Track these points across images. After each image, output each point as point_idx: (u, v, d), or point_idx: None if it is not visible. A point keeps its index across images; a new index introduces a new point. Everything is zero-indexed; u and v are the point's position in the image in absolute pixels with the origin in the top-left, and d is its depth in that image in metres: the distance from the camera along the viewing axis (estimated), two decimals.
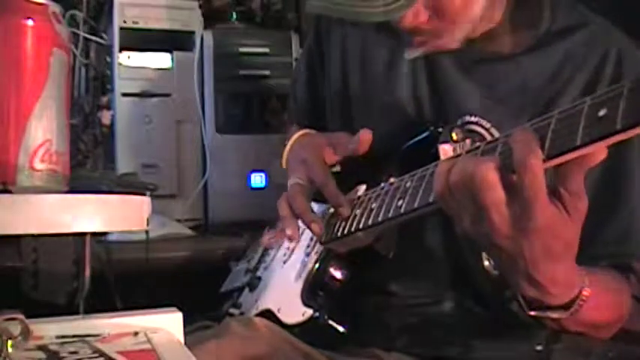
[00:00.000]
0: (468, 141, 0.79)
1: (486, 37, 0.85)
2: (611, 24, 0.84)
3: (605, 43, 0.81)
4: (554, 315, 0.64)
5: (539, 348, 0.77)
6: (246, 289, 1.02)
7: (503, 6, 0.85)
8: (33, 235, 0.60)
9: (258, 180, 1.56)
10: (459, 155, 0.66)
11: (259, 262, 1.06)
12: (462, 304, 0.86)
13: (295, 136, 0.98)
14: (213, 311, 1.05)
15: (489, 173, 0.56)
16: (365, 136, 0.85)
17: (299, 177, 0.88)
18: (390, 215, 0.73)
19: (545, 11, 0.84)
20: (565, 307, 0.64)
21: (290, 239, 0.87)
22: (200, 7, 1.59)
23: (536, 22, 0.84)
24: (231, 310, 1.01)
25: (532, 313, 0.65)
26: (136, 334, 0.56)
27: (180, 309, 0.59)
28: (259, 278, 1.00)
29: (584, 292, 0.64)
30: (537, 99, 0.82)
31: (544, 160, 0.54)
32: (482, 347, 0.85)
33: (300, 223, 0.88)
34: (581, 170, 0.55)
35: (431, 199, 0.66)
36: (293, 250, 0.97)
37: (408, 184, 0.72)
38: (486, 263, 0.76)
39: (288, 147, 0.97)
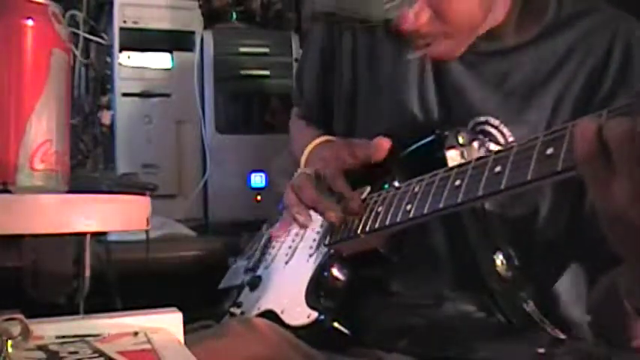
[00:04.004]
0: (475, 143, 0.78)
1: (492, 33, 0.84)
2: (619, 10, 0.84)
3: (613, 29, 0.81)
4: None
5: (541, 351, 0.77)
6: (247, 288, 1.02)
7: (509, 3, 0.84)
8: (33, 235, 0.60)
9: (258, 180, 1.56)
10: (469, 162, 0.66)
11: (259, 260, 1.06)
12: (464, 306, 0.86)
13: (317, 140, 0.97)
14: (213, 309, 1.05)
15: None
16: (381, 144, 0.82)
17: (307, 169, 0.87)
18: (397, 219, 0.73)
19: None
20: None
21: (302, 226, 0.85)
22: (200, 7, 1.59)
23: (543, 10, 0.84)
24: (233, 310, 1.01)
25: None
26: (136, 334, 0.56)
27: (180, 309, 0.59)
28: (260, 277, 1.00)
29: None
30: (546, 89, 0.81)
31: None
32: (483, 349, 0.84)
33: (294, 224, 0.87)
34: None
35: (441, 205, 0.66)
36: (295, 251, 0.97)
37: (417, 189, 0.72)
38: (498, 264, 0.76)
39: (309, 149, 0.96)
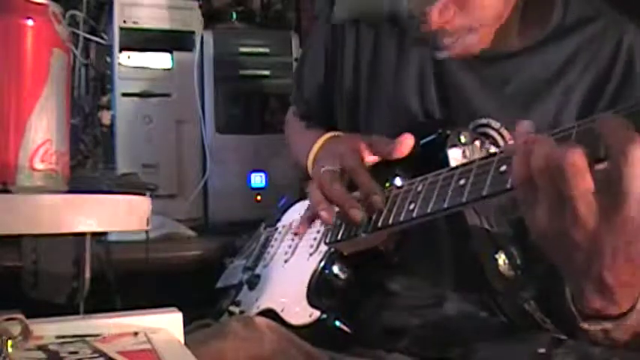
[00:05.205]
0: (476, 142, 0.78)
1: (496, 35, 0.84)
2: (623, 16, 0.84)
3: (617, 35, 0.81)
4: (609, 325, 0.59)
5: (541, 351, 0.77)
6: (245, 287, 1.01)
7: (512, 3, 0.83)
8: (33, 235, 0.60)
9: (258, 180, 1.56)
10: (473, 161, 0.65)
11: (258, 259, 1.05)
12: (465, 306, 0.86)
13: (327, 136, 0.95)
14: (212, 307, 1.05)
15: (578, 159, 0.51)
16: (406, 141, 0.80)
17: (331, 164, 0.84)
18: (400, 219, 0.72)
19: (557, 4, 0.84)
20: (621, 315, 0.59)
21: (326, 223, 0.82)
22: (200, 7, 1.59)
23: (548, 15, 0.84)
24: (232, 308, 1.01)
25: (586, 325, 0.61)
26: (136, 334, 0.55)
27: (180, 309, 0.59)
28: (259, 276, 1.00)
29: None
30: (549, 94, 0.82)
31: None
32: (484, 349, 0.84)
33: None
34: None
35: (445, 205, 0.65)
36: (295, 249, 0.97)
37: (420, 188, 0.71)
38: (500, 263, 0.76)
39: (318, 145, 0.95)
